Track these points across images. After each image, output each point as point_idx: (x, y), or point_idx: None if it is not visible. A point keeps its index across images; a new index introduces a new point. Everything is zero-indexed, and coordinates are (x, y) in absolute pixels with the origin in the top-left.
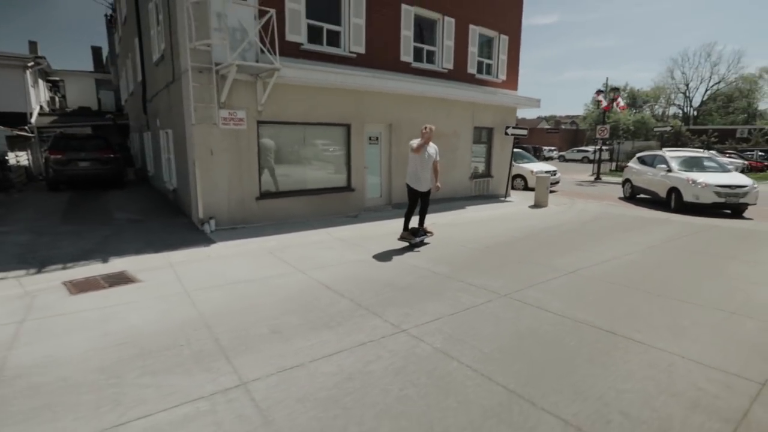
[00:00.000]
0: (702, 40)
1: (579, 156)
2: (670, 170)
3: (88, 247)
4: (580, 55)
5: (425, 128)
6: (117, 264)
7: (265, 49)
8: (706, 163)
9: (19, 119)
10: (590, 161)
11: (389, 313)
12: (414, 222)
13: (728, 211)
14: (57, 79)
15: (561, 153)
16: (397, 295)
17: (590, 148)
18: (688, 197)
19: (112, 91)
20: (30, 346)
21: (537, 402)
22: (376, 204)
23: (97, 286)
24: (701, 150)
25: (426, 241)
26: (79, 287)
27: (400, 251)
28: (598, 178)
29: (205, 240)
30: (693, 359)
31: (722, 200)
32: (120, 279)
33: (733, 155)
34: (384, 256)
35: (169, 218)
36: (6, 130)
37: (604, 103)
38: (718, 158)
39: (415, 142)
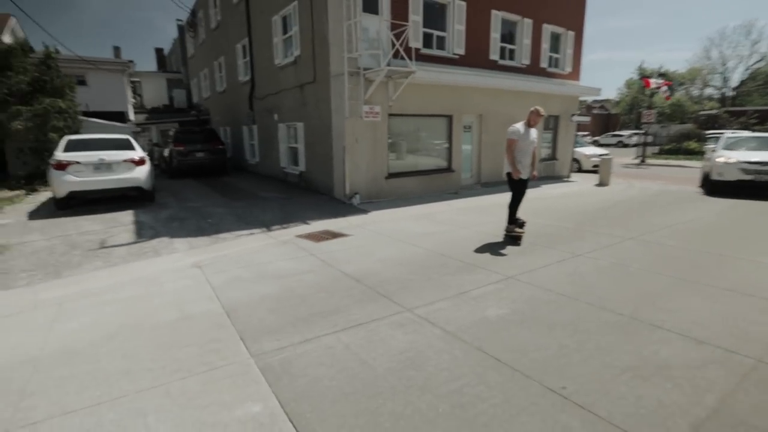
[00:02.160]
0: (740, 16)
1: (614, 141)
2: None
3: (279, 215)
4: (603, 36)
5: (534, 109)
6: (316, 225)
7: (403, 56)
8: (756, 144)
9: (119, 117)
10: (625, 146)
11: (557, 247)
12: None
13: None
14: (136, 80)
15: (595, 138)
16: (550, 239)
17: (625, 132)
18: (714, 175)
19: (183, 90)
20: (349, 264)
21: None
22: (468, 183)
23: (323, 238)
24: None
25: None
26: (313, 238)
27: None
28: (643, 161)
29: (358, 210)
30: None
31: (750, 177)
32: (332, 234)
33: None
34: (487, 221)
35: (310, 196)
36: (133, 126)
37: (661, 91)
38: None
39: (518, 126)
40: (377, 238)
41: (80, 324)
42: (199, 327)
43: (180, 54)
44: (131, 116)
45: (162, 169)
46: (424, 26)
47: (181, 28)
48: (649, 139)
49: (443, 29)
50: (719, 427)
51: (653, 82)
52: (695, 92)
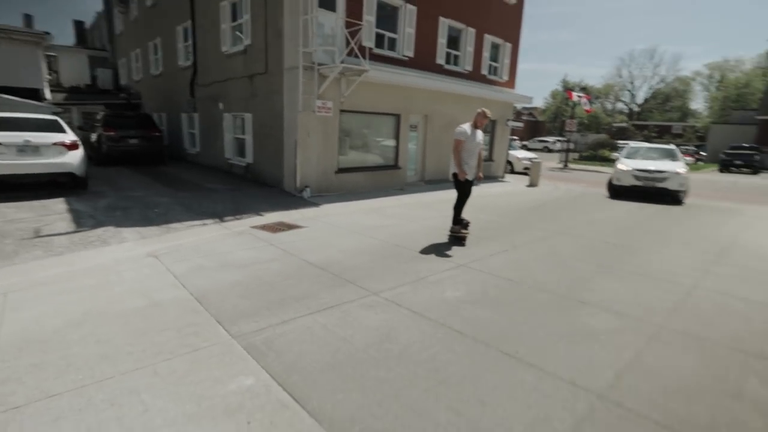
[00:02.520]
0: (646, 41)
1: (540, 146)
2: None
3: (230, 206)
4: (535, 48)
5: (481, 111)
6: (270, 217)
7: (357, 54)
8: (652, 154)
9: (32, 95)
10: (550, 151)
11: (499, 239)
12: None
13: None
14: (52, 54)
15: (524, 142)
16: (493, 233)
17: (550, 139)
18: (614, 181)
19: (110, 70)
20: (311, 254)
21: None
22: (413, 180)
23: (279, 229)
24: (661, 142)
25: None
26: (269, 229)
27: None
28: (566, 166)
29: (310, 203)
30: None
31: (640, 183)
32: (288, 226)
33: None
34: (436, 216)
35: (258, 188)
36: (51, 106)
37: (579, 98)
38: (674, 150)
39: (465, 127)
40: (333, 229)
41: (38, 313)
42: (172, 313)
43: (106, 30)
44: (47, 95)
45: (88, 155)
46: (377, 27)
47: (107, 1)
48: (571, 146)
49: (395, 31)
50: (635, 373)
51: (575, 95)
52: (609, 106)
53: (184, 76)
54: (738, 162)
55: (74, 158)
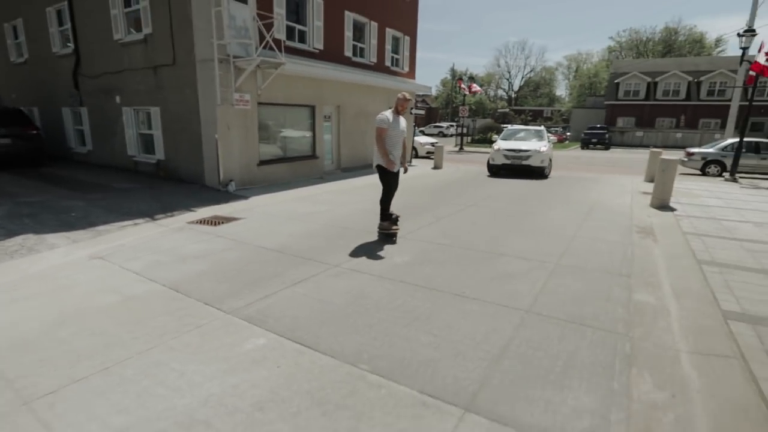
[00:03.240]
0: (519, 33)
1: (436, 131)
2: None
3: (155, 205)
4: (422, 37)
5: (401, 95)
6: (202, 212)
7: (272, 46)
8: (523, 135)
9: None
10: (444, 135)
11: (423, 215)
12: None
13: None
14: None
15: (420, 128)
16: (417, 209)
17: (444, 124)
18: (490, 160)
19: None
20: (262, 240)
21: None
22: (330, 169)
23: (218, 222)
24: (535, 125)
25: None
26: (207, 223)
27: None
28: (461, 149)
29: (237, 197)
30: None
31: (509, 162)
32: (225, 219)
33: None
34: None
35: (176, 185)
36: None
37: (467, 90)
38: (542, 131)
39: (386, 114)
40: (272, 218)
41: (8, 319)
42: (154, 302)
43: None
44: None
45: None
46: (287, 19)
47: None
48: (464, 130)
49: (304, 24)
50: (545, 295)
51: (464, 85)
52: (491, 93)
53: (64, 65)
54: (594, 140)
55: None
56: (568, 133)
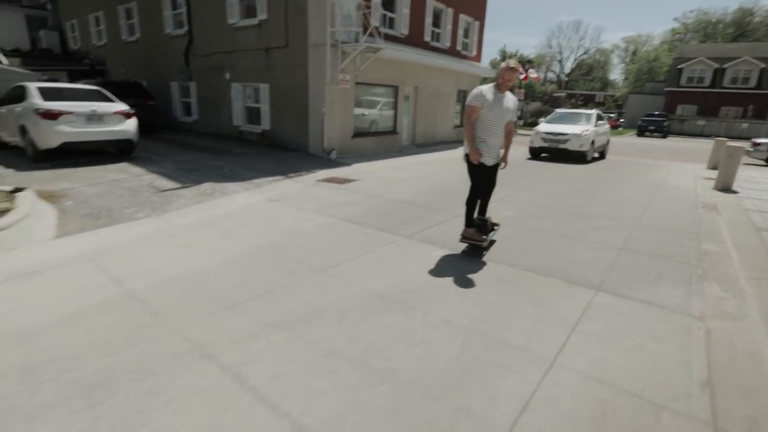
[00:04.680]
0: (576, 12)
1: None
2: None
3: (281, 167)
4: None
5: (505, 64)
6: (321, 174)
7: (372, 33)
8: (568, 118)
9: None
10: None
11: (507, 185)
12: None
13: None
14: None
15: None
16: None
17: None
18: (530, 143)
19: (56, 32)
20: (389, 195)
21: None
22: (406, 144)
23: (342, 181)
24: (585, 109)
25: (494, 238)
26: (333, 181)
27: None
28: (516, 132)
29: (340, 163)
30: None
31: (546, 144)
32: (344, 180)
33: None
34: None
35: (284, 152)
36: (32, 72)
37: (524, 75)
38: (591, 115)
39: (483, 89)
40: (382, 181)
41: (249, 234)
42: (343, 228)
43: None
44: (2, 59)
45: None
46: (382, 7)
47: None
48: (518, 113)
49: (393, 11)
50: (632, 240)
51: (531, 73)
52: (541, 75)
53: (175, 44)
54: (651, 127)
55: (132, 126)
56: (622, 120)
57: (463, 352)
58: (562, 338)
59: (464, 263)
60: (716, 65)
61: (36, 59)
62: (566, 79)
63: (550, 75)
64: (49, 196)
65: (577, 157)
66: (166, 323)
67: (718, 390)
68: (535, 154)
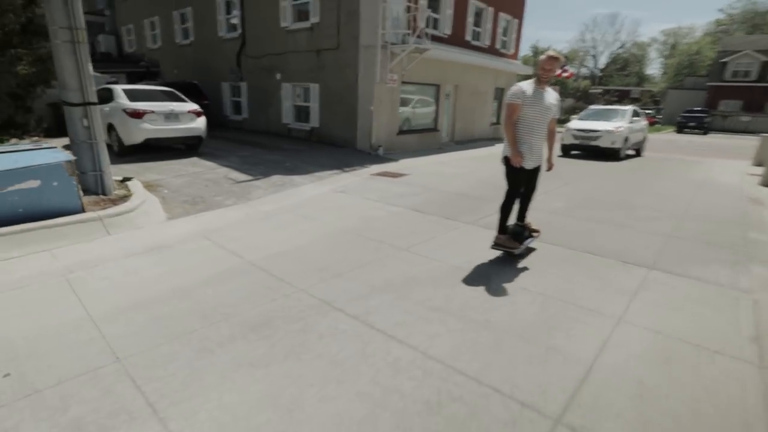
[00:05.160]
0: (608, 6)
1: None
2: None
3: (335, 161)
4: None
5: (545, 55)
6: (372, 168)
7: (419, 35)
8: (601, 114)
9: None
10: None
11: (550, 179)
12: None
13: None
14: None
15: None
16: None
17: None
18: (562, 140)
19: (112, 36)
20: (443, 188)
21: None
22: (445, 141)
23: (394, 176)
24: (620, 105)
25: (532, 245)
26: (386, 175)
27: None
28: None
29: (388, 159)
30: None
31: (577, 141)
32: (395, 174)
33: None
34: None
35: (332, 148)
36: (104, 76)
37: (563, 72)
38: (626, 111)
39: (523, 86)
40: (431, 176)
41: (330, 219)
42: (410, 216)
43: None
44: None
45: None
46: (429, 10)
47: None
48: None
49: (437, 12)
50: (679, 230)
51: (568, 70)
52: (575, 71)
53: (228, 47)
54: (692, 124)
55: (202, 123)
56: (660, 116)
57: (544, 309)
58: (625, 303)
59: (538, 252)
60: (765, 58)
61: (98, 62)
62: (600, 74)
63: (584, 70)
64: (147, 186)
65: (610, 155)
66: (291, 285)
67: (765, 343)
68: (567, 151)
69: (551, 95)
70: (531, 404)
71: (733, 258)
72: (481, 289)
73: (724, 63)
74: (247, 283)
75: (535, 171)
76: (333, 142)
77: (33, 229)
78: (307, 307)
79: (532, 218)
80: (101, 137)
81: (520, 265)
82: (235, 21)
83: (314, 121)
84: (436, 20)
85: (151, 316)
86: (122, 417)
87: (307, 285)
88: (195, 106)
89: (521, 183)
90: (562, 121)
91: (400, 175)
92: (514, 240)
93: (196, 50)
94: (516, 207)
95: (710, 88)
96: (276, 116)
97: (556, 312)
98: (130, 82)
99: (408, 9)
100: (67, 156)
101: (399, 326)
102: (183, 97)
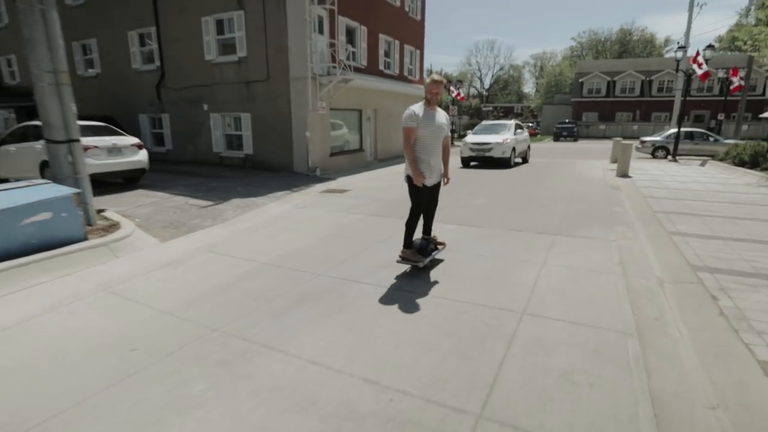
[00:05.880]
0: (489, 31)
1: None
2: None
3: (278, 184)
4: None
5: (430, 78)
6: (318, 187)
7: (345, 66)
8: (491, 128)
9: None
10: None
11: (467, 185)
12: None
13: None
14: None
15: None
16: (457, 184)
17: None
18: (460, 153)
19: None
20: (386, 197)
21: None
22: (370, 160)
23: (340, 192)
24: (506, 120)
25: (438, 257)
26: (333, 192)
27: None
28: (453, 144)
29: (326, 179)
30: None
31: (474, 154)
32: (340, 190)
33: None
34: None
35: (270, 172)
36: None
37: (454, 93)
38: (510, 125)
39: (414, 109)
40: (370, 190)
41: (307, 228)
42: (373, 221)
43: None
44: None
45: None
46: (346, 43)
47: None
48: (453, 127)
49: (354, 46)
50: (571, 208)
51: (452, 88)
52: (464, 91)
53: (144, 78)
54: (564, 133)
55: (144, 156)
56: (539, 128)
57: (495, 264)
58: (544, 255)
59: (472, 232)
60: (608, 78)
61: None
62: (486, 93)
63: (473, 90)
64: (122, 216)
65: (502, 163)
66: (311, 273)
67: (626, 265)
68: (466, 163)
69: (441, 115)
70: (507, 308)
71: (604, 223)
72: (453, 256)
73: (581, 82)
74: (274, 276)
75: (436, 187)
76: (269, 167)
77: (53, 257)
78: (333, 283)
79: (463, 214)
80: (85, 171)
81: (474, 236)
82: (152, 54)
83: (248, 149)
84: (353, 53)
85: (215, 303)
86: (250, 354)
87: (323, 271)
88: (136, 140)
89: (424, 199)
90: (462, 136)
91: (345, 190)
92: (419, 254)
93: (104, 82)
94: (421, 222)
95: (574, 103)
96: (205, 146)
97: (505, 265)
98: (19, 117)
99: (330, 44)
100: (73, 189)
101: (406, 284)
102: (120, 130)
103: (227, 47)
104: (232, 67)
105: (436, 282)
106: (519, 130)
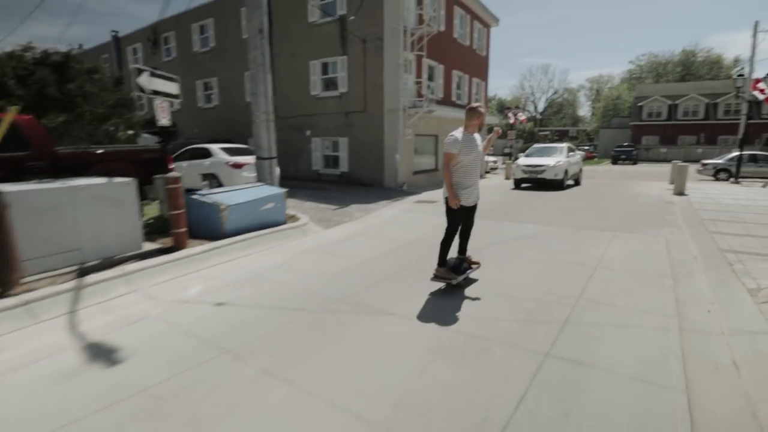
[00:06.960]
0: (543, 54)
1: (491, 151)
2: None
3: (374, 196)
4: None
5: (470, 106)
6: (408, 199)
7: (428, 100)
8: (543, 151)
9: None
10: (493, 154)
11: (530, 201)
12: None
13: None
14: None
15: None
16: (519, 198)
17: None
18: (512, 175)
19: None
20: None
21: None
22: (441, 179)
23: (429, 202)
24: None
25: (472, 276)
26: (425, 203)
27: (507, 190)
28: None
29: (413, 192)
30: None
31: (526, 176)
32: (426, 201)
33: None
34: (504, 190)
35: (363, 187)
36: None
37: (512, 119)
38: (563, 147)
39: (456, 134)
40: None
41: (421, 224)
42: None
43: (115, 63)
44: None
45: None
46: (429, 80)
47: (116, 39)
48: (512, 150)
49: (433, 80)
50: (627, 217)
51: (511, 113)
52: (525, 116)
53: None
54: (623, 156)
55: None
56: (595, 152)
57: (572, 245)
58: (607, 243)
59: (547, 228)
60: (669, 102)
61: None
62: (540, 117)
63: (526, 114)
64: None
65: (555, 185)
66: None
67: (670, 248)
68: (518, 184)
69: (478, 140)
70: (586, 264)
71: (656, 226)
72: (538, 247)
73: (641, 106)
74: (416, 250)
75: (473, 208)
76: (362, 183)
77: (274, 232)
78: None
79: (537, 218)
80: (277, 178)
81: (550, 231)
82: None
83: (343, 167)
84: (432, 87)
85: (388, 259)
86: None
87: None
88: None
89: (460, 221)
90: (517, 159)
91: (434, 201)
92: (452, 272)
93: (220, 113)
94: (456, 242)
95: (633, 127)
96: (306, 164)
97: (578, 245)
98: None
99: (417, 82)
100: (281, 189)
101: (529, 256)
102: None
103: (330, 84)
104: (333, 101)
105: (540, 254)
106: (571, 153)
